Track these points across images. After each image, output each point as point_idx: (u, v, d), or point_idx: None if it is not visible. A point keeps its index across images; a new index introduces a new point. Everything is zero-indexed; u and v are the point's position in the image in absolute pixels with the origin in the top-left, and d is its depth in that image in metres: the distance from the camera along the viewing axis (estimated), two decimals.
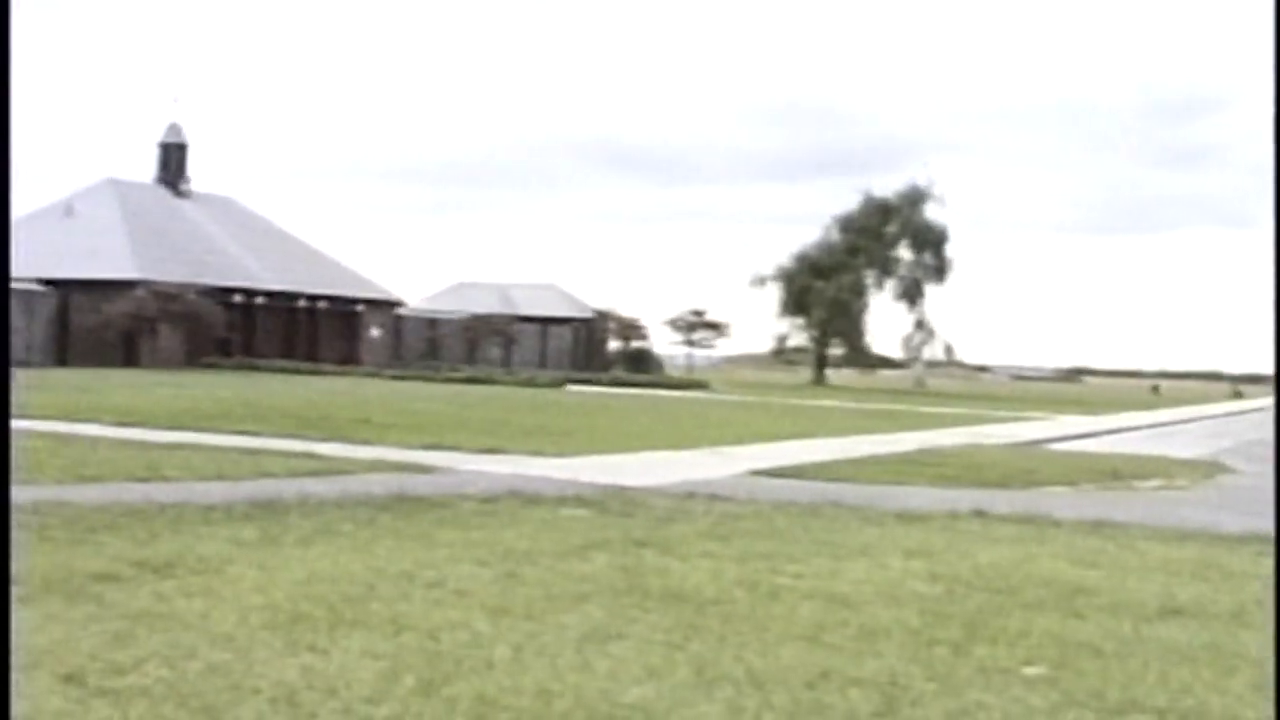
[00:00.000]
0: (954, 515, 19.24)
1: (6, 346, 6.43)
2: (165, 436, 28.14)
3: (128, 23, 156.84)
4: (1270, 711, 8.99)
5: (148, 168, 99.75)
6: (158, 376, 65.31)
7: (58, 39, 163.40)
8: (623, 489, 21.31)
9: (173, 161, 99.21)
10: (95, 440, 26.65)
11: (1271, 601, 11.78)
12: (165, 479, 20.50)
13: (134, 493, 18.23)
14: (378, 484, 20.37)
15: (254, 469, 22.08)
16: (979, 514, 19.43)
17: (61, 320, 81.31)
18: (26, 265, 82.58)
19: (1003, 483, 24.53)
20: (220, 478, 20.94)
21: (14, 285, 78.57)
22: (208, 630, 10.22)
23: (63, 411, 34.34)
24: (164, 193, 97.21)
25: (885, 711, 8.75)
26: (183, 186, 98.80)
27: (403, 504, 18.06)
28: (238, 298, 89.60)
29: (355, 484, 20.48)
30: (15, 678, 6.90)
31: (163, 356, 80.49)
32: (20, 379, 43.07)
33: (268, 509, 17.02)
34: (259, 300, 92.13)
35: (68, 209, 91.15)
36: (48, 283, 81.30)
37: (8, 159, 5.87)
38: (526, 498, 19.47)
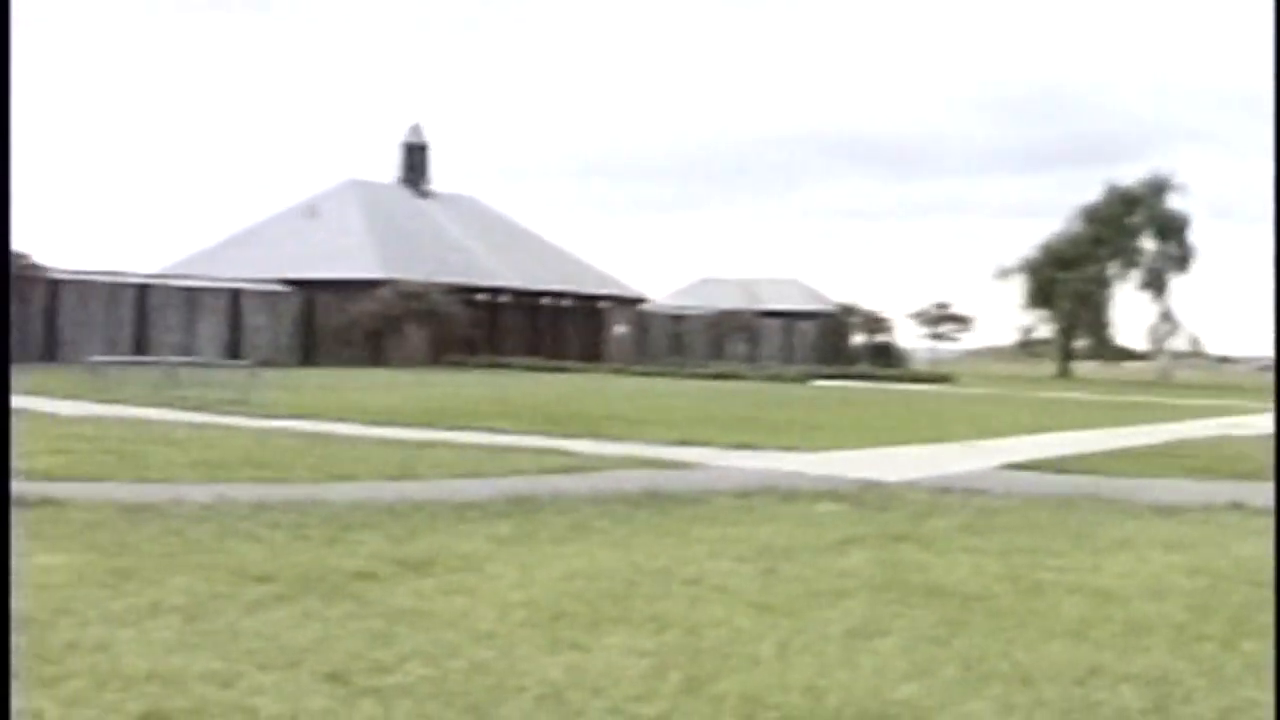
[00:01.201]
0: (1210, 508, 18.63)
1: (6, 346, 6.36)
2: (416, 434, 28.31)
3: (369, 25, 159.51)
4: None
5: (390, 168, 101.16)
6: (404, 375, 66.13)
7: (300, 42, 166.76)
8: (877, 483, 20.97)
9: (415, 162, 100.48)
10: (346, 439, 26.91)
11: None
12: (419, 477, 20.58)
13: (388, 491, 18.30)
14: (630, 480, 20.24)
15: (506, 466, 22.10)
16: (1236, 506, 18.81)
17: (307, 320, 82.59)
18: (270, 266, 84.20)
19: (1257, 475, 23.76)
20: (473, 475, 20.97)
21: (260, 287, 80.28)
22: (469, 628, 10.12)
23: (312, 410, 34.81)
24: (406, 193, 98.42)
25: (1157, 708, 8.44)
26: (424, 186, 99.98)
27: (656, 500, 17.90)
28: (481, 296, 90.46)
29: (607, 480, 20.38)
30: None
31: (408, 355, 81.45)
32: (267, 378, 43.86)
33: (522, 506, 16.97)
34: (503, 299, 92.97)
35: (311, 210, 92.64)
36: (292, 283, 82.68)
37: (7, 159, 5.82)
38: (781, 493, 19.21)
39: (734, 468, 23.27)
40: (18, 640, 9.64)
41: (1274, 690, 8.75)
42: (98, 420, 29.81)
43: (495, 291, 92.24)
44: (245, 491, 17.66)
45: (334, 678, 8.64)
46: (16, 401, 34.95)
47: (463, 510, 16.50)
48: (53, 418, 30.50)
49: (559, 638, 9.83)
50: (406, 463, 22.27)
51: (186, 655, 9.14)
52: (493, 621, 10.33)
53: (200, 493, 17.23)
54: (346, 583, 11.79)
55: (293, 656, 9.13)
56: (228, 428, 28.95)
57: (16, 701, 7.10)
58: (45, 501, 15.86)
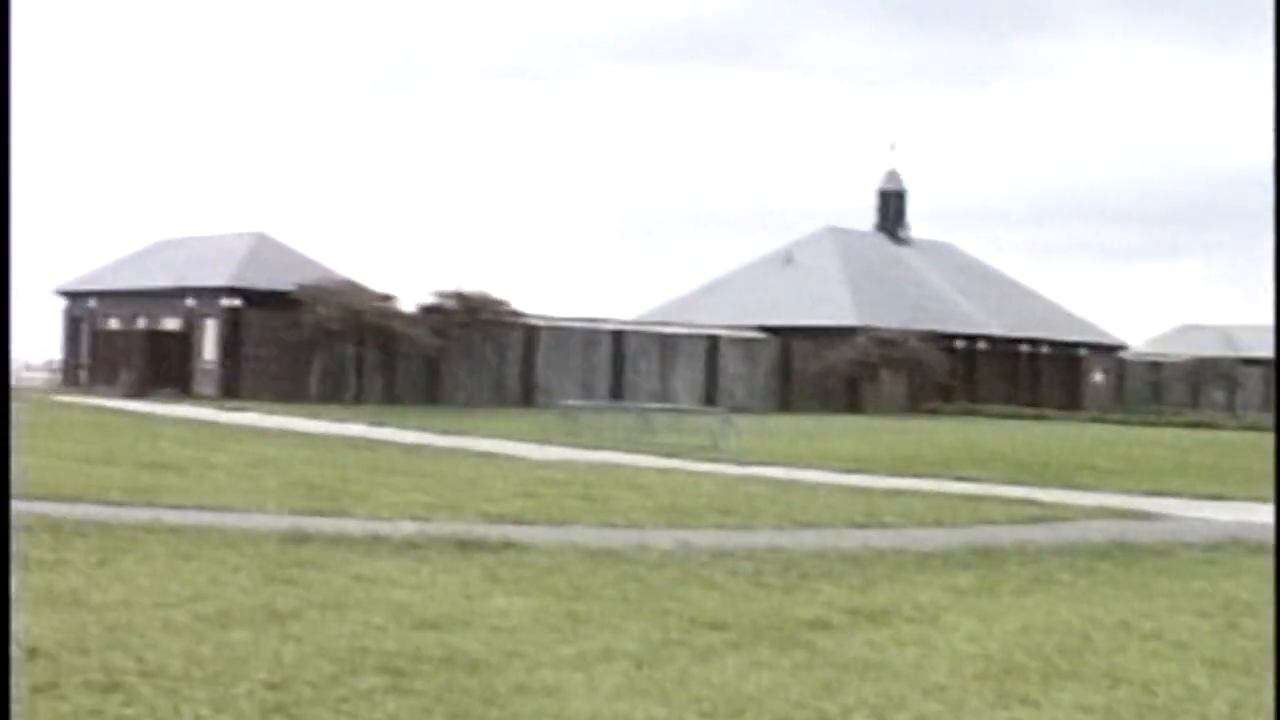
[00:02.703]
0: None
1: (7, 350, 6.35)
2: (886, 482, 28.15)
3: (847, 70, 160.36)
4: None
5: (866, 215, 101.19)
6: (880, 422, 65.95)
7: (781, 90, 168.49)
8: None
9: (891, 208, 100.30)
10: (815, 485, 26.90)
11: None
12: (884, 525, 20.42)
13: (851, 539, 18.19)
14: (1097, 531, 19.72)
15: (973, 515, 21.77)
16: None
17: (783, 367, 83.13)
18: (748, 313, 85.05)
19: None
20: (939, 524, 20.72)
21: (737, 333, 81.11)
22: (919, 680, 9.94)
23: (782, 457, 34.95)
24: (883, 240, 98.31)
25: None
26: (902, 233, 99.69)
27: (1121, 552, 17.39)
28: (958, 343, 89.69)
29: (1074, 531, 19.90)
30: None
31: (885, 402, 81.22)
32: (740, 425, 44.17)
33: (985, 556, 16.68)
34: (980, 345, 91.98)
35: (787, 257, 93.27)
36: (768, 330, 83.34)
37: (8, 159, 5.80)
38: (1249, 546, 18.43)
39: (1203, 519, 22.51)
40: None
41: (1274, 690, 8.22)
42: (568, 464, 30.48)
43: (972, 338, 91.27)
44: (707, 538, 17.77)
45: None
46: (491, 445, 36.09)
47: (924, 560, 16.30)
48: (524, 461, 31.35)
49: (1008, 692, 9.59)
50: (872, 510, 22.12)
51: (632, 701, 9.19)
52: (944, 674, 10.13)
53: (663, 538, 17.38)
54: (800, 631, 11.72)
55: (737, 705, 9.10)
56: (696, 474, 29.26)
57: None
58: (508, 545, 16.23)
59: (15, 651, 8.95)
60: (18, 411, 35.29)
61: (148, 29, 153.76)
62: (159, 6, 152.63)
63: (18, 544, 14.58)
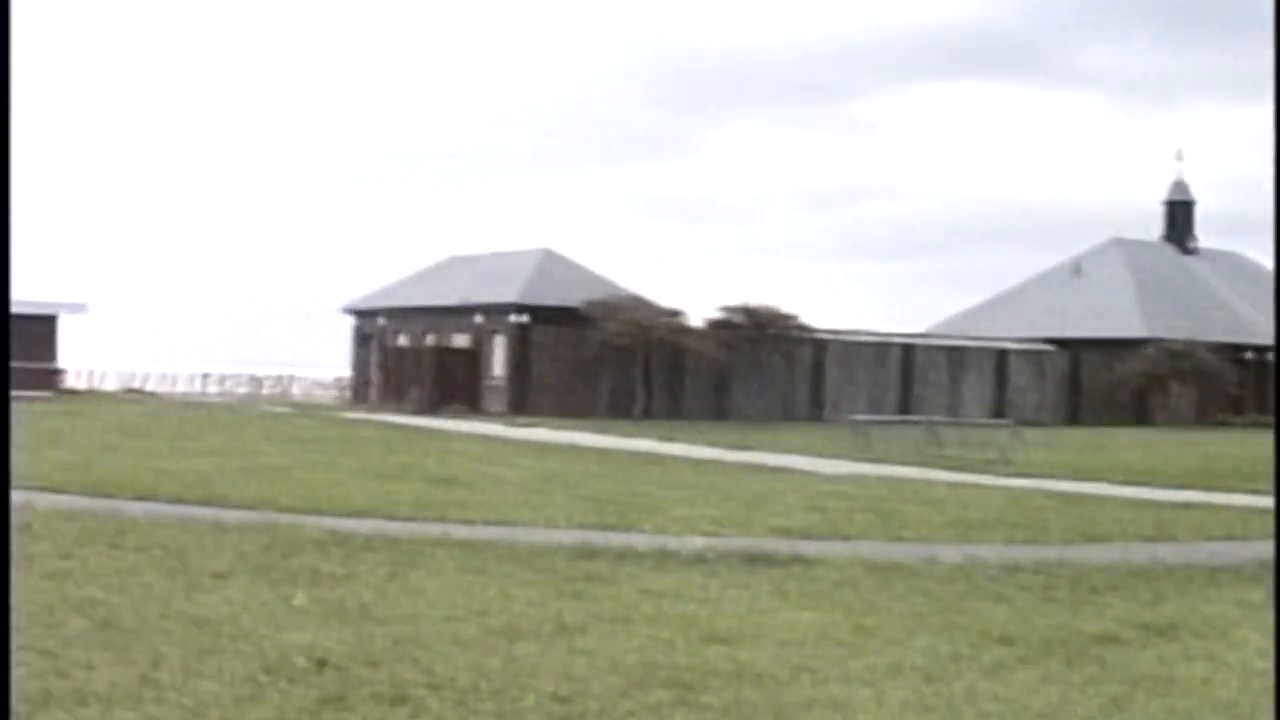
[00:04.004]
0: None
1: (6, 351, 6.32)
2: (1175, 495, 27.62)
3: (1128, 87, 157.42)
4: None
5: (1153, 226, 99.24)
6: (1168, 435, 64.60)
7: (1058, 107, 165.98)
8: None
9: (1179, 218, 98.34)
10: (1104, 499, 26.51)
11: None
12: (1174, 539, 20.07)
13: (1140, 553, 17.92)
14: None
15: (1264, 530, 21.25)
16: None
17: (1071, 380, 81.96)
18: (1036, 325, 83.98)
19: None
20: (1230, 538, 20.31)
21: (1025, 346, 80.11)
22: (1208, 696, 9.79)
23: (1071, 470, 34.47)
24: (1171, 250, 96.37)
25: None
26: (1189, 243, 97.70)
27: None
28: (1248, 354, 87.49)
29: None
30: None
31: (1173, 414, 79.55)
32: (1029, 438, 43.63)
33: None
34: (1269, 356, 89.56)
35: (1076, 269, 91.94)
36: (1056, 342, 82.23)
37: (8, 159, 5.80)
38: None
39: None
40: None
41: (1274, 690, 7.88)
42: (857, 479, 30.40)
43: (1262, 349, 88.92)
44: (996, 552, 17.64)
45: None
46: (779, 460, 36.14)
47: (1214, 574, 16.02)
48: (812, 476, 31.35)
49: None
50: (1162, 524, 21.76)
51: (920, 716, 9.23)
52: (1233, 690, 9.97)
53: (951, 553, 17.29)
54: (1089, 646, 11.62)
55: None
56: (985, 487, 29.01)
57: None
58: (796, 559, 16.28)
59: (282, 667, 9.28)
60: (313, 428, 36.30)
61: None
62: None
63: (306, 559, 15.05)
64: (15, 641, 6.04)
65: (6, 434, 6.02)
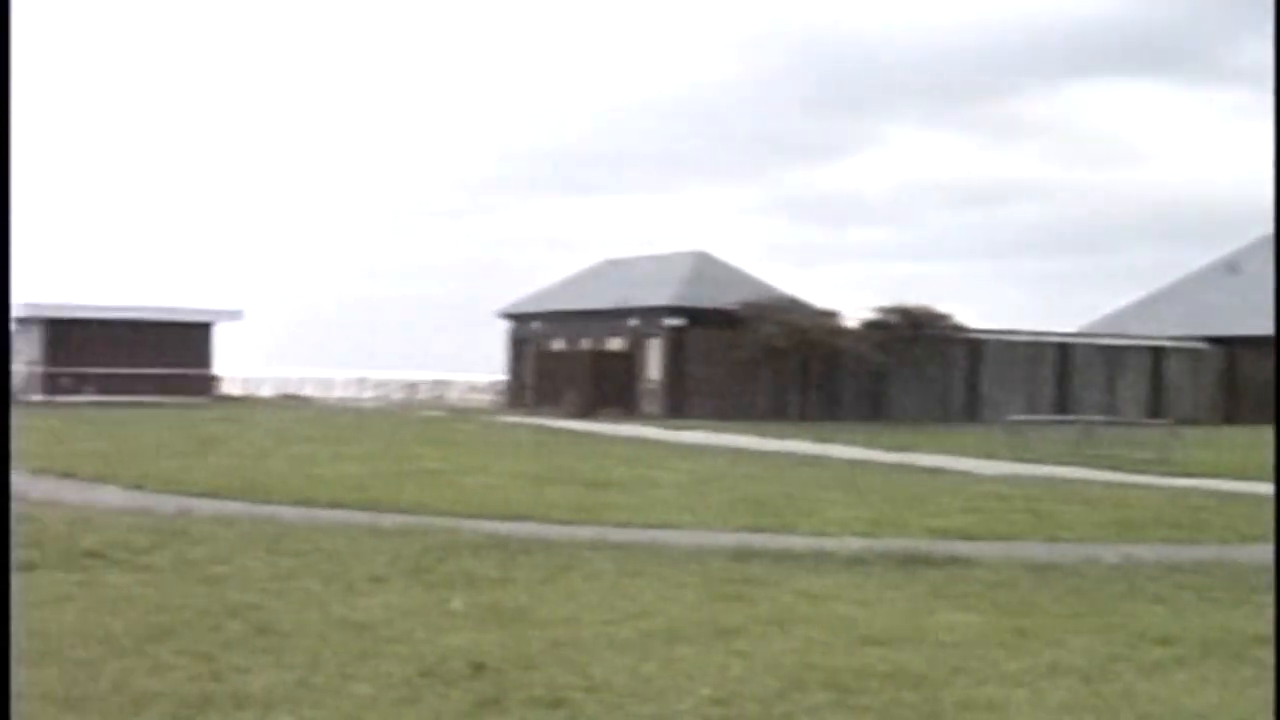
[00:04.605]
0: None
1: (7, 349, 6.26)
2: None
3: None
4: None
5: None
6: None
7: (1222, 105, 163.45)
8: None
9: None
10: (1261, 498, 25.97)
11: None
12: None
13: None
14: None
15: None
16: None
17: (1228, 378, 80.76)
18: (1192, 323, 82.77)
19: None
20: None
21: (1182, 344, 79.03)
22: None
23: (1230, 469, 33.99)
24: None
25: None
26: None
27: None
28: None
29: None
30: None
31: None
32: (1187, 437, 43.07)
33: None
34: None
35: (1231, 266, 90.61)
36: (1214, 340, 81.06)
37: (8, 159, 5.77)
38: None
39: None
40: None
41: (1274, 690, 8.00)
42: (1014, 479, 30.18)
43: None
44: (1154, 552, 17.49)
45: None
46: (935, 460, 35.93)
47: None
48: (968, 476, 31.15)
49: None
50: None
51: (1078, 717, 9.17)
52: None
53: (1109, 553, 17.17)
54: (1248, 647, 11.46)
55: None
56: (1142, 487, 28.71)
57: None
58: (953, 560, 16.23)
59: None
60: (469, 432, 36.56)
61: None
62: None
63: (463, 563, 15.16)
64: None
65: (7, 434, 6.08)
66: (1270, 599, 13.92)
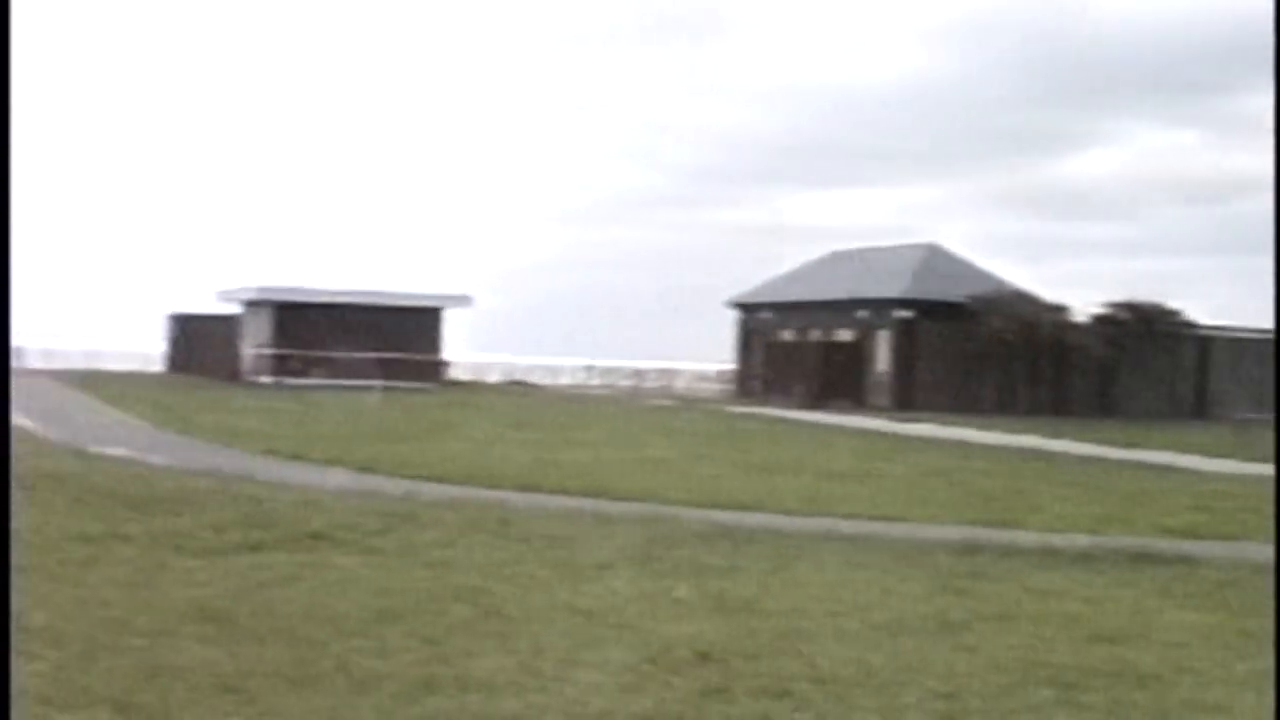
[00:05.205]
0: None
1: (7, 348, 6.08)
2: None
3: None
4: None
5: None
6: None
7: None
8: None
9: None
10: None
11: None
12: None
13: None
14: None
15: None
16: None
17: None
18: None
19: None
20: None
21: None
22: None
23: None
24: None
25: None
26: None
27: None
28: None
29: None
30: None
31: None
32: None
33: None
34: None
35: None
36: None
37: (8, 159, 5.72)
38: None
39: None
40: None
41: (1274, 690, 7.96)
42: (1243, 479, 29.56)
43: None
44: None
45: None
46: (1163, 458, 35.23)
47: None
48: (1198, 474, 30.59)
49: None
50: None
51: None
52: None
53: None
54: None
55: None
56: None
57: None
58: (1181, 559, 15.99)
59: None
60: (697, 421, 36.66)
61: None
62: None
63: (689, 551, 15.10)
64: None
65: (7, 435, 6.13)
66: None
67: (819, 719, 8.83)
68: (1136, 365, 69.22)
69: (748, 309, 78.07)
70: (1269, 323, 77.01)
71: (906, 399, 64.67)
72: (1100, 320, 68.73)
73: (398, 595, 12.22)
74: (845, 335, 69.92)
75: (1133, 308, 68.80)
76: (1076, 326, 67.87)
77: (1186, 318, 70.00)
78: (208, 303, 78.32)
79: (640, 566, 14.42)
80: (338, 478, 23.09)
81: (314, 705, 8.65)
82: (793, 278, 78.21)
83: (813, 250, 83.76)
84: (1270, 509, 22.26)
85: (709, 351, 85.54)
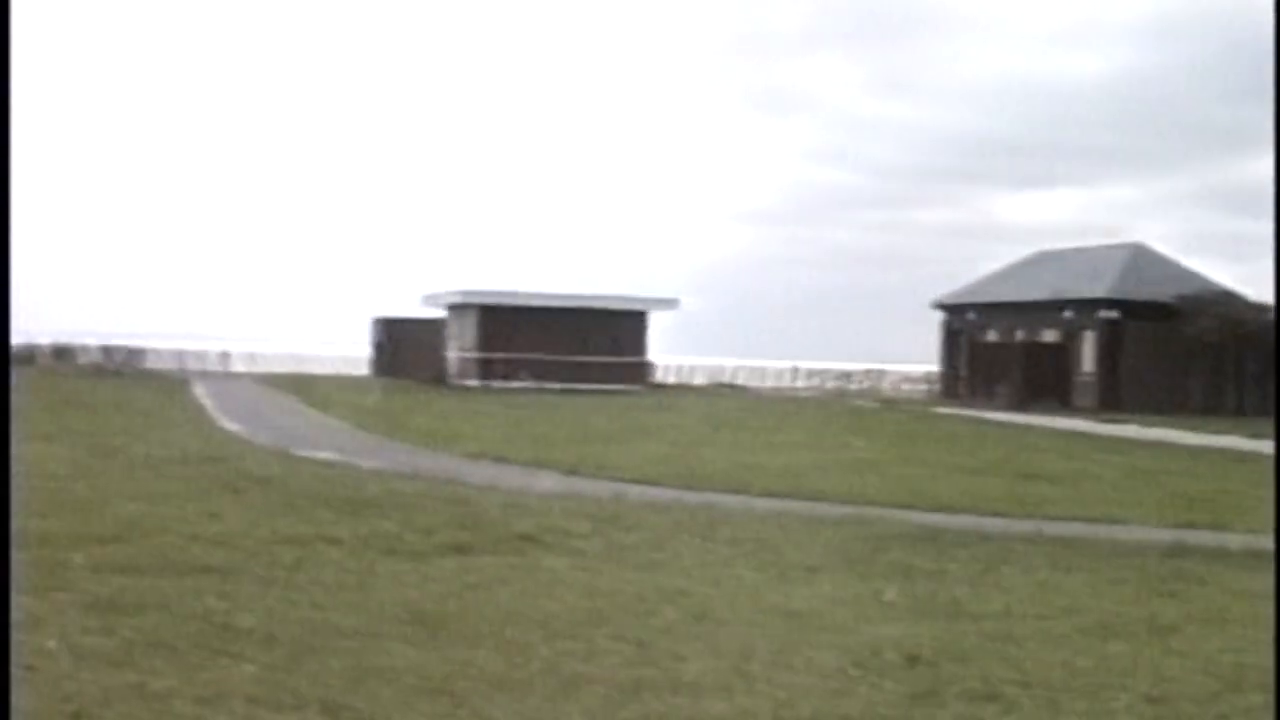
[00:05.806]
0: None
1: (7, 347, 5.96)
2: None
3: None
4: None
5: None
6: None
7: None
8: None
9: None
10: None
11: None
12: None
13: None
14: None
15: None
16: None
17: None
18: None
19: None
20: None
21: None
22: None
23: None
24: None
25: None
26: None
27: None
28: None
29: None
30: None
31: None
32: None
33: None
34: None
35: None
36: None
37: (8, 159, 5.70)
38: None
39: None
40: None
41: (1274, 690, 7.96)
42: None
43: None
44: None
45: None
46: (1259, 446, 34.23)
47: None
48: None
49: None
50: None
51: None
52: None
53: None
54: None
55: None
56: None
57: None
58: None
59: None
60: (903, 422, 36.47)
61: None
62: None
63: (897, 554, 15.07)
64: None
65: (7, 436, 6.20)
66: None
67: None
68: None
69: (952, 310, 77.46)
70: None
71: (1112, 400, 63.82)
72: None
73: (605, 597, 12.32)
74: (1050, 336, 69.17)
75: None
76: None
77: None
78: (412, 306, 79.26)
79: (848, 569, 14.44)
80: (545, 480, 23.26)
81: (522, 708, 8.74)
82: (998, 278, 77.46)
83: (1017, 250, 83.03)
84: None
85: (916, 353, 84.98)
